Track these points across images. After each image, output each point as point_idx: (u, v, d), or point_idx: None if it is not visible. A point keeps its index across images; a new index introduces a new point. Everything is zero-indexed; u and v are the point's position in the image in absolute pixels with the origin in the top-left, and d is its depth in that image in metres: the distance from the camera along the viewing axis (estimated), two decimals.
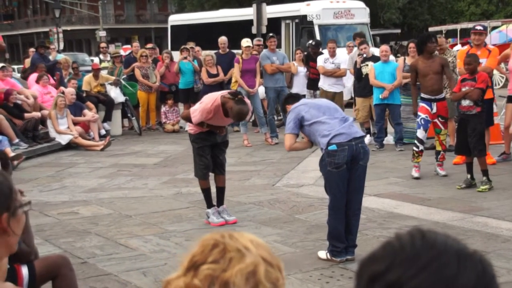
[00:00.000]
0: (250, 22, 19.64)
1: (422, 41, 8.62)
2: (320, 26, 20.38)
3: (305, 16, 20.70)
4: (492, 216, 6.61)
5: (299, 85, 13.29)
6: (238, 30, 19.59)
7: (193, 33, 22.71)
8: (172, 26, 26.23)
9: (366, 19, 21.46)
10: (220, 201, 6.80)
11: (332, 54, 11.91)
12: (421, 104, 8.47)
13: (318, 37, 19.21)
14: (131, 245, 5.98)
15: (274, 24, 21.40)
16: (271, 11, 22.61)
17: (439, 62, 8.40)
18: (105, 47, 16.24)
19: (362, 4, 22.07)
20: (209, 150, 6.63)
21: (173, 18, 27.41)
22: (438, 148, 8.60)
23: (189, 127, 6.80)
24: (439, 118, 8.40)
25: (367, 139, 11.23)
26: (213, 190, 6.83)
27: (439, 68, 8.37)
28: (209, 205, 6.75)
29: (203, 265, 1.21)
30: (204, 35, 21.60)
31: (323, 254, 5.46)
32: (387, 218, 6.67)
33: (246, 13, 22.21)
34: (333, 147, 5.29)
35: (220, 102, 6.20)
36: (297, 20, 21.05)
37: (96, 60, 15.98)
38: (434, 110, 8.36)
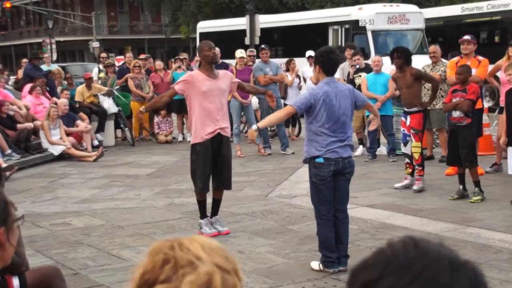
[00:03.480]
0: (277, 29, 18.95)
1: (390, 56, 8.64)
2: (373, 32, 18.63)
3: (356, 21, 19.05)
4: (484, 227, 6.62)
5: (293, 96, 13.31)
6: (268, 36, 19.31)
7: (223, 40, 21.10)
8: (201, 33, 24.91)
9: (422, 25, 19.56)
10: (214, 212, 6.78)
11: None
12: (401, 118, 8.65)
13: (371, 44, 18.05)
14: (124, 256, 5.95)
15: (321, 30, 20.17)
16: (317, 16, 21.49)
17: (410, 75, 8.23)
18: (105, 57, 16.09)
19: (417, 8, 20.52)
20: (210, 165, 6.51)
21: (202, 25, 26.00)
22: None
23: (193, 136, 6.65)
24: (411, 130, 8.31)
25: (360, 149, 11.26)
26: (209, 200, 6.79)
27: (410, 81, 8.22)
28: (203, 215, 6.73)
29: (155, 285, 1.14)
30: (235, 42, 20.06)
31: (315, 265, 5.46)
32: (379, 229, 6.67)
33: (277, 19, 21.68)
34: (320, 160, 5.31)
35: (195, 71, 6.57)
36: (347, 26, 19.50)
37: (95, 70, 15.88)
38: (408, 123, 8.34)
